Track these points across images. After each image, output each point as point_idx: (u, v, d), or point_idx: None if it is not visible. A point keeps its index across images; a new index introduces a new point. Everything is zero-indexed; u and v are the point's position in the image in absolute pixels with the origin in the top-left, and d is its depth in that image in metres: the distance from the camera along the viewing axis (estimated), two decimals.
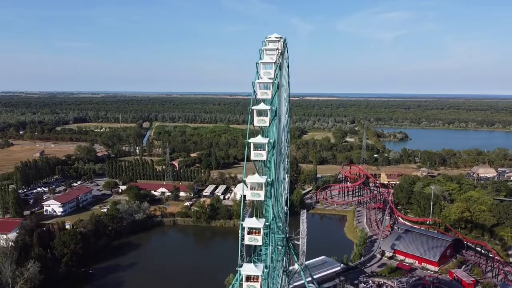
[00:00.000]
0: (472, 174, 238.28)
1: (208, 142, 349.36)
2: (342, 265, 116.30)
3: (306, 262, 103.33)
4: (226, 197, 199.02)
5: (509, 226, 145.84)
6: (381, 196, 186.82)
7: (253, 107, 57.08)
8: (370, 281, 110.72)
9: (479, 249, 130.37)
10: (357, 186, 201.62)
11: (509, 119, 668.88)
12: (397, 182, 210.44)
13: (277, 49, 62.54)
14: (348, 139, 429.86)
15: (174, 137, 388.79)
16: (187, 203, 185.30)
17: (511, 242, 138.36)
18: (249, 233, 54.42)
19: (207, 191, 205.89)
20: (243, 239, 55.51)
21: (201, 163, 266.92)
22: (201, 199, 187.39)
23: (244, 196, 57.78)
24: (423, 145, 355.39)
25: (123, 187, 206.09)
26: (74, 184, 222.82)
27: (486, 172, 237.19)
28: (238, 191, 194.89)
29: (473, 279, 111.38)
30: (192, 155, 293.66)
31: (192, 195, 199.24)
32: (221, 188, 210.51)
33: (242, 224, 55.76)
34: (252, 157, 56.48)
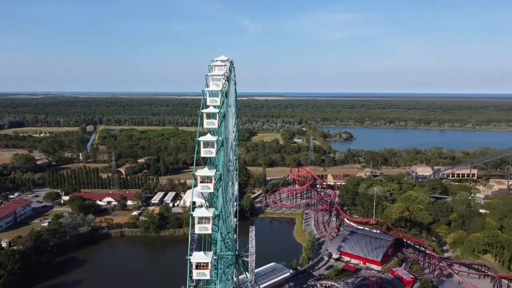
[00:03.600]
0: (411, 173, 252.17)
1: (157, 146, 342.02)
2: (291, 270, 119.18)
3: (256, 270, 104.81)
4: (176, 204, 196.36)
5: (444, 223, 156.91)
6: (328, 198, 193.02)
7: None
8: (318, 284, 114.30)
9: (418, 247, 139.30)
10: (305, 189, 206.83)
11: (443, 118, 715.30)
12: (343, 183, 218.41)
13: (223, 74, 63.52)
14: (296, 140, 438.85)
15: (120, 142, 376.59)
16: (135, 213, 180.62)
17: (446, 239, 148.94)
18: (196, 267, 55.06)
19: (155, 199, 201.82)
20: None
21: (149, 169, 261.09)
22: (150, 208, 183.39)
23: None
24: (367, 144, 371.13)
25: (66, 198, 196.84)
26: (11, 196, 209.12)
27: (424, 171, 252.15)
28: (188, 197, 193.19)
29: (412, 276, 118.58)
30: (140, 160, 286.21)
31: (140, 203, 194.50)
32: (171, 195, 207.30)
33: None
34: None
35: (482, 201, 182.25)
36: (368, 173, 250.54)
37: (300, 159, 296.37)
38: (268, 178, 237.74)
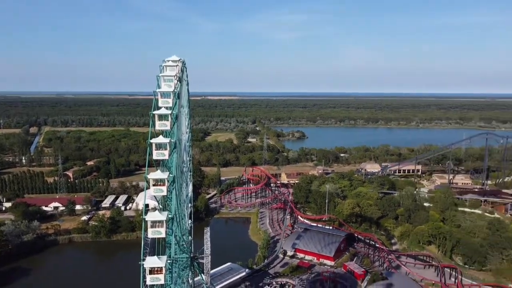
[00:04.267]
0: (361, 169, 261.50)
1: (107, 148, 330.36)
2: (247, 269, 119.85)
3: (212, 271, 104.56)
4: (128, 207, 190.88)
5: (392, 217, 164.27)
6: (282, 196, 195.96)
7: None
8: (274, 282, 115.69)
9: (368, 241, 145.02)
10: (260, 188, 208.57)
11: (390, 116, 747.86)
12: (297, 181, 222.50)
13: (175, 75, 62.57)
14: (250, 139, 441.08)
15: (67, 144, 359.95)
16: (84, 218, 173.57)
17: (394, 232, 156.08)
18: (150, 272, 53.98)
19: (106, 202, 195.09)
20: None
21: (99, 172, 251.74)
22: (100, 212, 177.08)
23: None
24: (319, 143, 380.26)
25: (8, 205, 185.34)
26: None
27: (372, 167, 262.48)
28: (141, 200, 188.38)
29: (363, 269, 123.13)
30: (89, 163, 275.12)
31: (90, 208, 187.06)
32: (122, 198, 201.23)
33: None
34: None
35: (426, 195, 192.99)
36: (320, 171, 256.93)
37: (255, 159, 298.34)
38: (222, 178, 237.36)
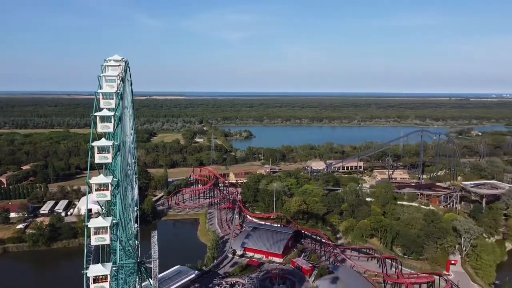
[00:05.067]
0: (306, 167, 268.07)
1: (44, 151, 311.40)
2: (196, 271, 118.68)
3: (160, 275, 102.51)
4: (69, 213, 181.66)
5: (337, 213, 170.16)
6: (231, 196, 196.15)
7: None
8: (224, 282, 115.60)
9: (315, 237, 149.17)
10: (208, 188, 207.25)
11: (333, 115, 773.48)
12: (245, 181, 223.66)
13: (117, 75, 60.50)
14: (197, 139, 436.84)
15: None
16: (20, 226, 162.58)
17: (339, 227, 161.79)
18: (94, 281, 51.85)
19: (45, 208, 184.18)
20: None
21: (36, 177, 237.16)
22: (38, 219, 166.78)
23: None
24: (266, 142, 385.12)
25: None
26: None
27: (318, 165, 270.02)
28: (83, 205, 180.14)
29: (311, 265, 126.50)
30: (25, 167, 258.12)
31: (26, 215, 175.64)
32: (63, 203, 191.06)
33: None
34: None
35: (368, 191, 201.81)
36: (268, 170, 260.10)
37: (202, 159, 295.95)
38: (170, 180, 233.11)
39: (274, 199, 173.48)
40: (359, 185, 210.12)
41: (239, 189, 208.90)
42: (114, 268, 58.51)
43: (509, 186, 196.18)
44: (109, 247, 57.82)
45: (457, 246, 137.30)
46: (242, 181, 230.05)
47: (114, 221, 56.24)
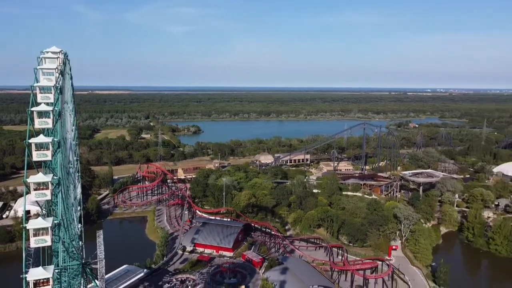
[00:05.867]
0: (255, 161, 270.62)
1: None
2: (145, 270, 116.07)
3: (107, 276, 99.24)
4: (5, 215, 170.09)
5: (285, 205, 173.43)
6: (179, 192, 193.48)
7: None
8: (174, 279, 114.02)
9: (264, 229, 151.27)
10: (156, 185, 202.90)
11: (281, 109, 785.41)
12: (194, 176, 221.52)
13: (56, 68, 57.33)
14: (144, 135, 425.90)
15: None
16: None
17: (288, 219, 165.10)
18: (35, 285, 49.18)
19: None
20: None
21: None
22: None
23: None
24: (215, 137, 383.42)
25: None
26: None
27: (266, 159, 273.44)
28: (20, 207, 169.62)
29: (261, 257, 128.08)
30: None
31: None
32: None
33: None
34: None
35: (314, 182, 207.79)
36: (217, 165, 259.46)
37: (149, 155, 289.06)
38: (115, 177, 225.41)
39: (224, 193, 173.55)
40: (306, 177, 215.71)
41: (188, 185, 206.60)
42: (56, 271, 55.79)
43: (443, 175, 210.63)
44: (51, 249, 55.01)
45: (397, 232, 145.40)
46: (191, 176, 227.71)
47: (55, 222, 53.58)
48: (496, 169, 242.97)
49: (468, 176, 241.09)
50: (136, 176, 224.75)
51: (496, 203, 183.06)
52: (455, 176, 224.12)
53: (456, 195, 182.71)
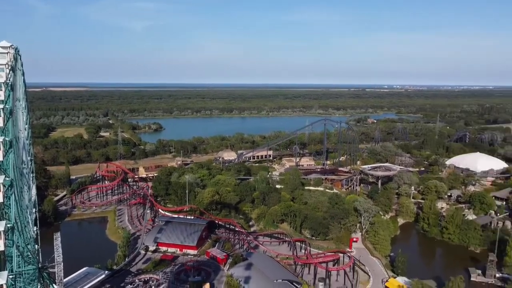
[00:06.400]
0: (218, 158, 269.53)
1: None
2: (106, 271, 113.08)
3: (66, 279, 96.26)
4: None
5: (249, 201, 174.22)
6: (141, 191, 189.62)
7: None
8: (137, 280, 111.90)
9: (228, 226, 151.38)
10: (116, 184, 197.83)
11: (243, 106, 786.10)
12: (156, 174, 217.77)
13: (6, 64, 54.53)
14: (103, 133, 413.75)
15: None
16: None
17: (251, 215, 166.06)
18: None
19: None
20: None
21: None
22: None
23: None
24: (177, 134, 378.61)
25: None
26: None
27: (229, 155, 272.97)
28: None
29: (225, 254, 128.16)
30: None
31: None
32: None
33: None
34: None
35: (277, 178, 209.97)
36: (179, 162, 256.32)
37: (109, 154, 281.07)
38: (73, 177, 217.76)
39: (187, 191, 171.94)
40: (269, 173, 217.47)
41: (150, 184, 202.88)
42: (11, 277, 53.26)
43: (400, 168, 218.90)
44: (4, 254, 52.42)
45: (358, 224, 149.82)
46: (153, 175, 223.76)
47: (8, 225, 51.11)
48: (448, 162, 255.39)
49: (423, 169, 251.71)
50: (95, 176, 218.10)
51: (449, 194, 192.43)
52: (411, 169, 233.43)
53: (412, 188, 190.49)
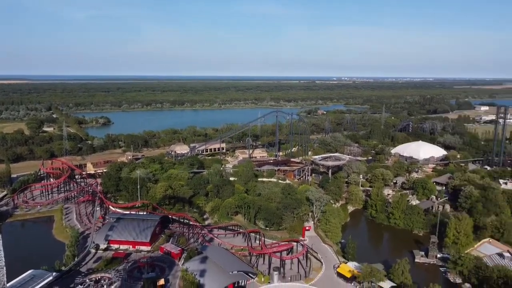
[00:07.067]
0: (170, 152, 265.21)
1: None
2: (54, 273, 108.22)
3: (10, 283, 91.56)
4: None
5: (203, 194, 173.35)
6: (90, 188, 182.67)
7: None
8: (87, 280, 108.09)
9: (182, 220, 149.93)
10: (62, 182, 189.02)
11: (195, 98, 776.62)
12: (105, 170, 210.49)
13: None
14: (46, 128, 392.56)
15: None
16: None
17: (206, 208, 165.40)
18: None
19: None
20: None
21: None
22: None
23: None
24: (126, 128, 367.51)
25: None
26: None
27: (182, 149, 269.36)
28: None
29: (179, 248, 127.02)
30: None
31: None
32: None
33: None
34: None
35: (231, 170, 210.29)
36: (130, 157, 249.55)
37: (54, 150, 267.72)
38: (14, 176, 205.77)
39: (139, 186, 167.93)
40: (223, 166, 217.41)
41: (99, 180, 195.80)
42: None
43: (349, 158, 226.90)
44: None
45: (310, 213, 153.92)
46: (102, 170, 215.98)
47: None
48: (393, 151, 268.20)
49: (371, 157, 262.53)
50: (39, 174, 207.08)
51: (394, 181, 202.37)
52: (359, 158, 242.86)
53: (361, 176, 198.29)
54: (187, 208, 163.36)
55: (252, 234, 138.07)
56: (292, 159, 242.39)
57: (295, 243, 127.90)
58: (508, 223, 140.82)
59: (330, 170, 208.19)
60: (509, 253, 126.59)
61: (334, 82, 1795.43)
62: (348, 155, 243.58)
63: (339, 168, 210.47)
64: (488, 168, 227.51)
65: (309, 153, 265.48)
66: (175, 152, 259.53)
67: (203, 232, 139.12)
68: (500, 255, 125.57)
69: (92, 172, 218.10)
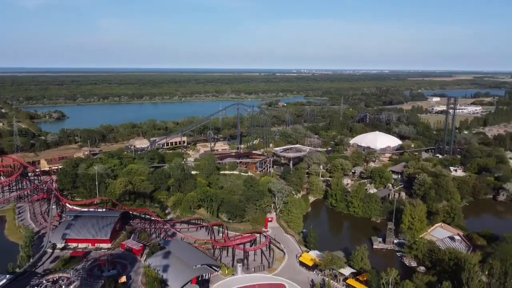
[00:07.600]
0: (130, 146, 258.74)
1: None
2: (7, 276, 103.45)
3: None
4: None
5: (164, 189, 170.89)
6: (44, 186, 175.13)
7: None
8: (44, 281, 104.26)
9: (144, 216, 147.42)
10: (14, 180, 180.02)
11: (154, 91, 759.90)
12: (60, 167, 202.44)
13: None
14: None
15: None
16: None
17: (167, 203, 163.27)
18: None
19: None
20: None
21: None
22: None
23: None
24: (82, 123, 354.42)
25: None
26: None
27: (141, 143, 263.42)
28: None
29: (141, 244, 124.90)
30: None
31: None
32: None
33: None
34: None
35: (192, 164, 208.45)
36: (86, 152, 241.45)
37: (3, 147, 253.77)
38: None
39: (97, 183, 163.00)
40: (184, 160, 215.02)
41: (54, 177, 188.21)
42: None
43: (309, 149, 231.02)
44: None
45: (272, 205, 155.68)
46: (57, 167, 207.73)
47: None
48: (352, 141, 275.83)
49: (330, 148, 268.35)
50: None
51: (353, 171, 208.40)
52: (319, 149, 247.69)
53: (321, 167, 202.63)
54: (148, 204, 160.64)
55: (215, 227, 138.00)
56: (253, 152, 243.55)
57: (258, 235, 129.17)
58: (458, 208, 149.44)
59: (291, 162, 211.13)
60: (459, 236, 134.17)
61: (294, 74, 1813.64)
62: (308, 146, 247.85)
63: (300, 160, 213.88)
64: (440, 156, 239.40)
65: (271, 145, 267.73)
66: (134, 146, 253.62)
67: (165, 227, 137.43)
68: (451, 238, 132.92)
69: (47, 169, 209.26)
